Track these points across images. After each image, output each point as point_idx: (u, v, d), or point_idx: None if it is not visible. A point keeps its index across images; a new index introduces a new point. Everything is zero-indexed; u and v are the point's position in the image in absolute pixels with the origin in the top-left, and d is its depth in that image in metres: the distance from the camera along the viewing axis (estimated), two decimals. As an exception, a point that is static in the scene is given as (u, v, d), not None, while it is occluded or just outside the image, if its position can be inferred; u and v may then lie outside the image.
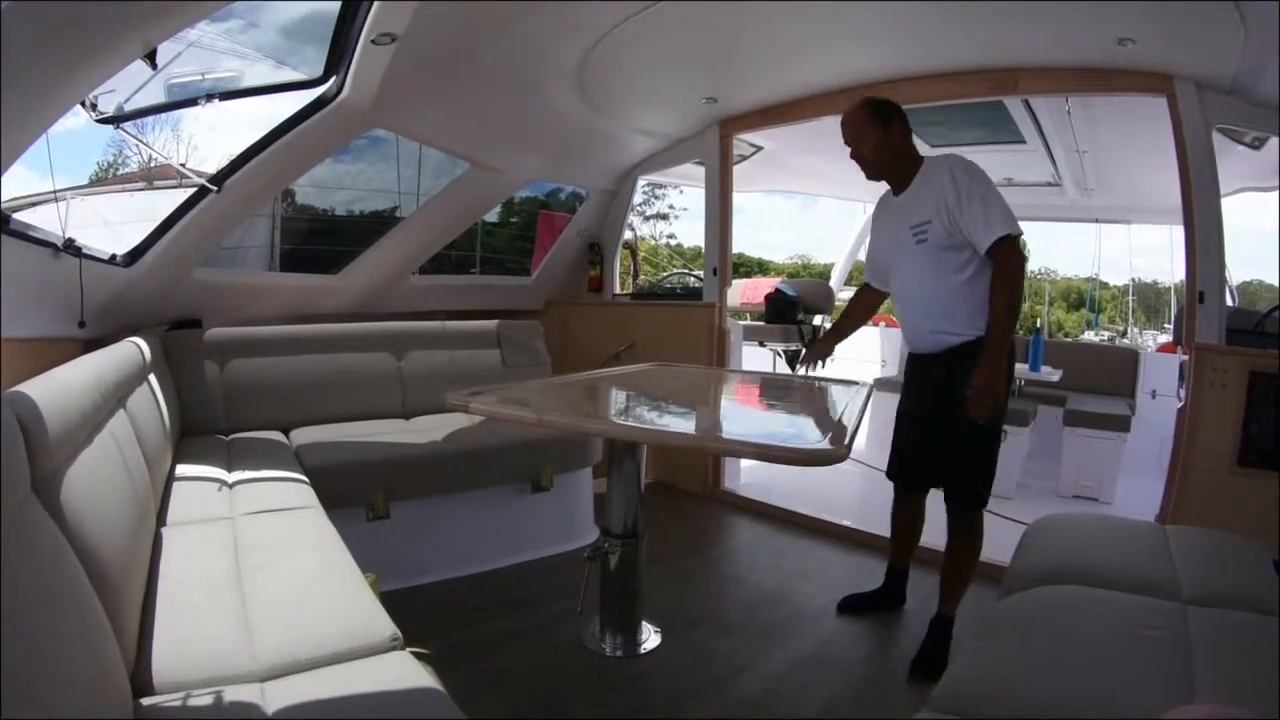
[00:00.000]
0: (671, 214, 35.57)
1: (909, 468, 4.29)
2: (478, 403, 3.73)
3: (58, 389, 2.20)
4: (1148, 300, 27.91)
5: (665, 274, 14.20)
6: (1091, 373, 7.90)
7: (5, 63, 2.49)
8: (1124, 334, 23.13)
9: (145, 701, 1.96)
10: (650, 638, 4.10)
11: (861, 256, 13.50)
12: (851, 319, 4.80)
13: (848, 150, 4.06)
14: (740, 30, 5.01)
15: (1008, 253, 3.68)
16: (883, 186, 4.20)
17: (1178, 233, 5.02)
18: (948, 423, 3.90)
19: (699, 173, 7.25)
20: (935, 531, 4.34)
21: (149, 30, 3.34)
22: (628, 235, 8.94)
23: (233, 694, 2.00)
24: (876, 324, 13.51)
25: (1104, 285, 26.95)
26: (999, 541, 4.13)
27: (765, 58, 5.59)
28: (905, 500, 4.46)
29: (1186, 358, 4.90)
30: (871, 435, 7.63)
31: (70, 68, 3.12)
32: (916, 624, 4.34)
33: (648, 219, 35.04)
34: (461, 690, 2.20)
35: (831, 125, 6.56)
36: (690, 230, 35.43)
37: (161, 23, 3.36)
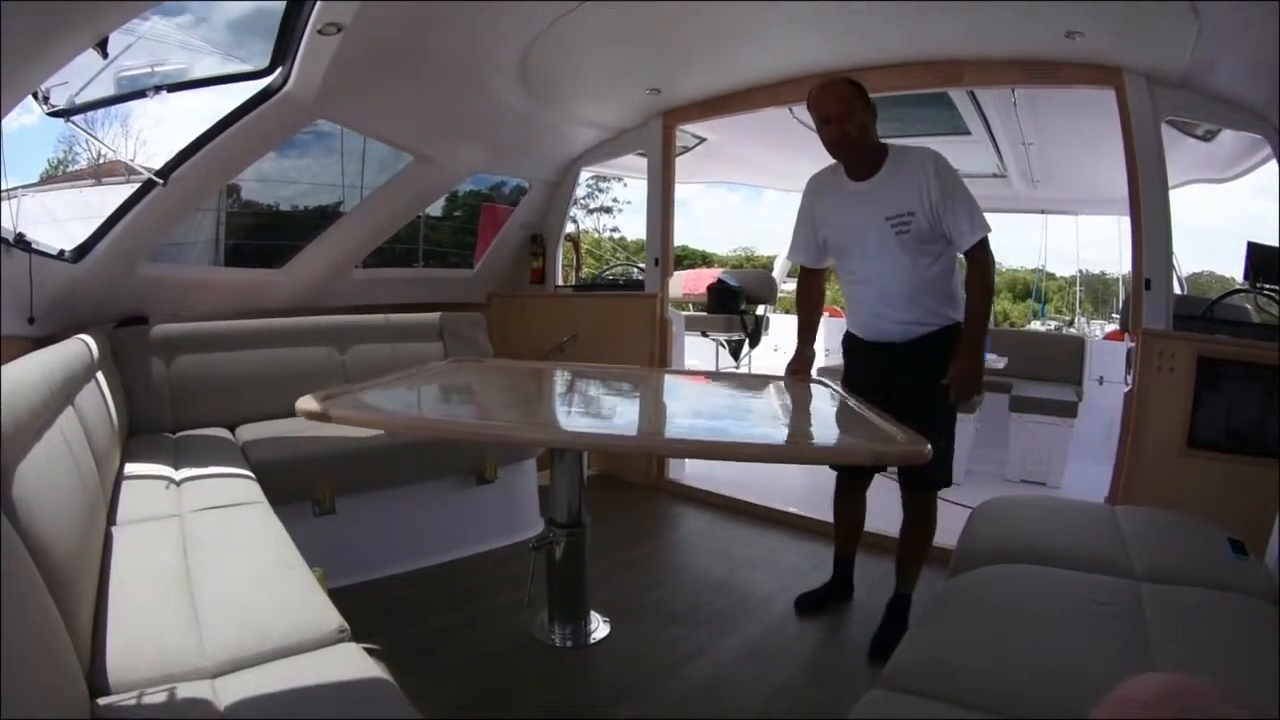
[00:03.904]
0: (615, 207, 35.46)
1: None
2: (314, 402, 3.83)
3: (7, 385, 2.19)
4: (1095, 290, 28.08)
5: (608, 266, 14.21)
6: (1038, 360, 7.91)
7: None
8: (1071, 323, 23.29)
9: (102, 701, 1.96)
10: (599, 627, 4.12)
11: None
12: (813, 315, 4.62)
13: (813, 128, 4.02)
14: (683, 21, 5.02)
15: (985, 251, 3.84)
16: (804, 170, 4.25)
17: (1125, 224, 5.06)
18: (913, 408, 3.74)
19: (642, 164, 7.26)
20: (878, 516, 4.44)
21: (100, 19, 3.35)
22: (570, 228, 8.93)
23: (185, 691, 2.00)
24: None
25: (1050, 276, 27.03)
26: (946, 526, 4.14)
27: (708, 49, 5.60)
28: (851, 489, 4.48)
29: (1134, 344, 4.94)
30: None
31: (24, 57, 3.13)
32: (865, 607, 4.40)
33: (591, 212, 34.91)
34: (412, 684, 2.22)
35: (774, 116, 6.58)
36: (634, 223, 35.46)
37: (113, 11, 3.37)
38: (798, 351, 4.53)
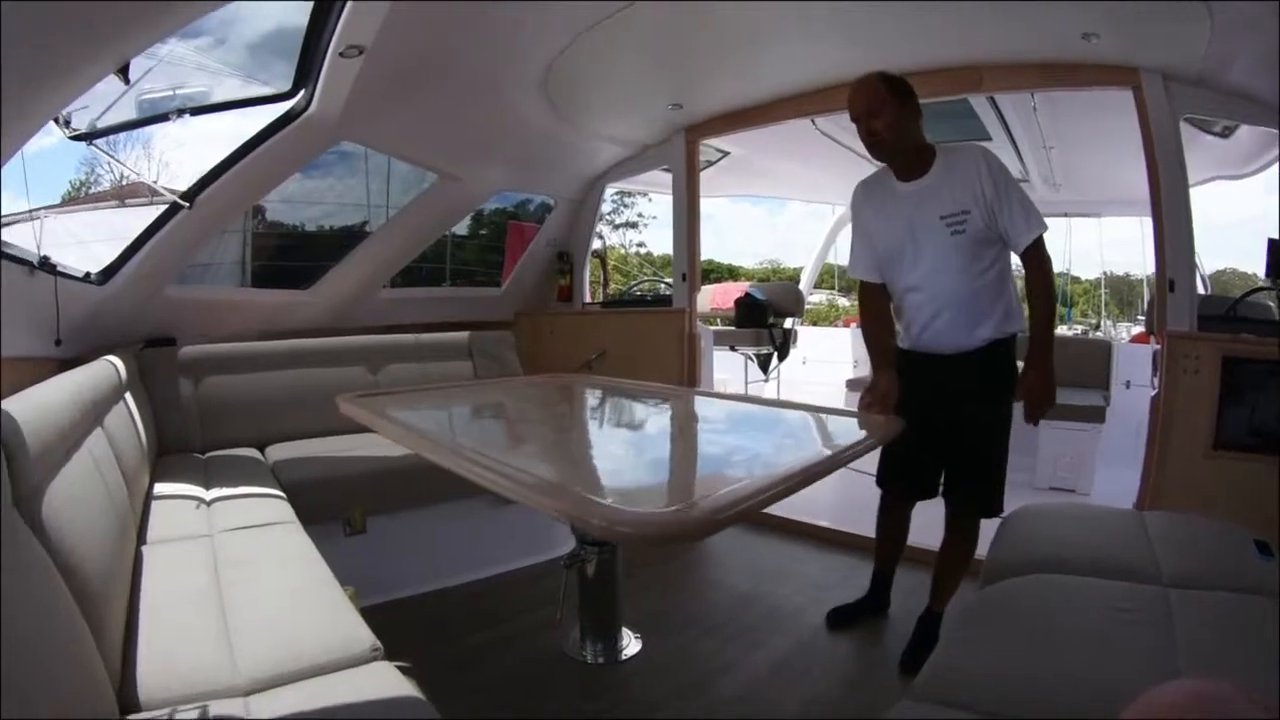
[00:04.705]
0: (641, 222, 35.44)
1: (911, 477, 4.06)
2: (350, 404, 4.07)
3: (35, 406, 2.22)
4: (1120, 293, 27.80)
5: (635, 282, 14.22)
6: (1065, 365, 7.53)
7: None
8: (1097, 326, 23.13)
9: (132, 718, 1.98)
10: (630, 643, 4.10)
11: (831, 260, 13.43)
12: (882, 332, 4.05)
13: (836, 140, 3.84)
14: (703, 36, 5.02)
15: (1042, 251, 3.60)
16: (854, 181, 4.07)
17: (1149, 224, 4.98)
18: (968, 427, 3.78)
19: (666, 179, 7.25)
20: (917, 530, 4.36)
21: (122, 45, 3.36)
22: (596, 244, 8.93)
23: (217, 708, 2.01)
24: (847, 325, 13.47)
25: (1075, 280, 26.73)
26: (979, 534, 4.06)
27: (729, 63, 5.59)
28: (897, 508, 4.30)
29: (1159, 347, 4.88)
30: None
31: (45, 84, 3.15)
32: (897, 620, 4.35)
33: (617, 227, 34.86)
34: (444, 702, 2.21)
35: (797, 128, 6.55)
36: (660, 238, 35.19)
37: (134, 37, 3.39)
38: (873, 381, 3.95)
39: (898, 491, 4.20)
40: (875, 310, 4.07)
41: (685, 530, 2.22)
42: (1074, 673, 2.14)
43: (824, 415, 4.09)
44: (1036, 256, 3.60)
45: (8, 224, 4.01)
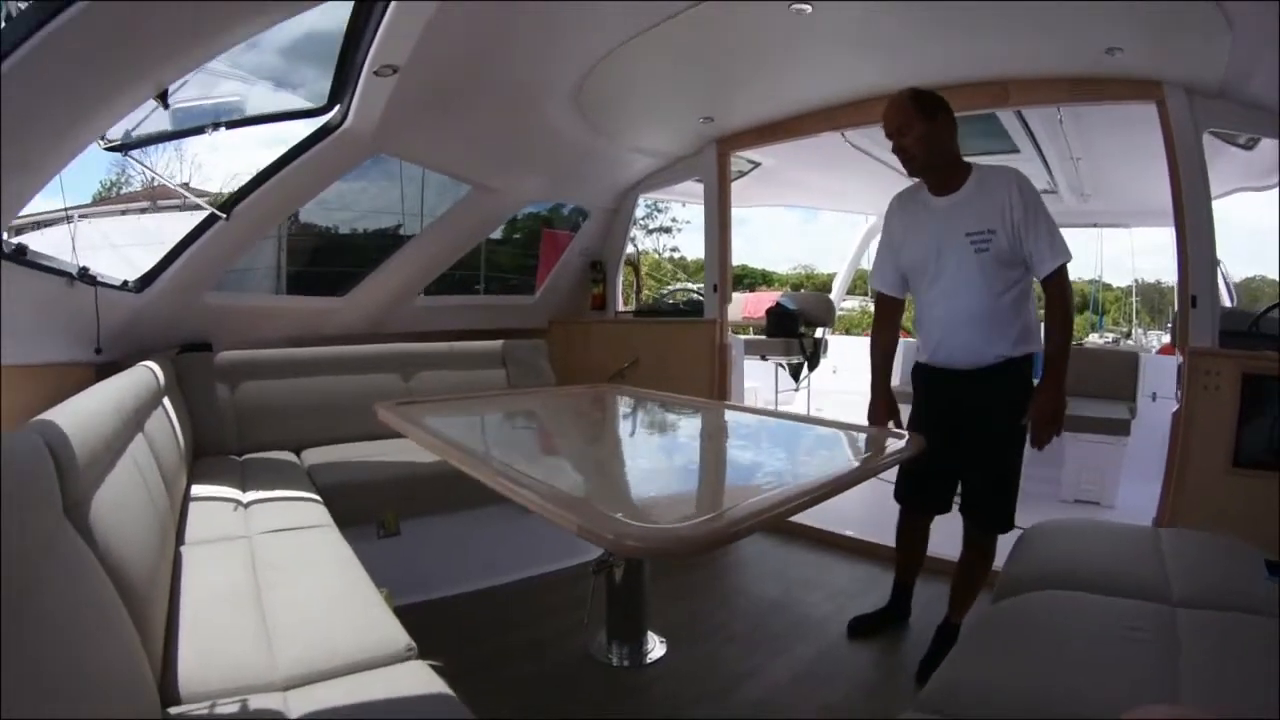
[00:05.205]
0: (674, 227, 35.34)
1: (926, 492, 4.15)
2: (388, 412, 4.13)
3: (82, 416, 2.29)
4: (1150, 301, 27.47)
5: (668, 289, 14.20)
6: (1091, 377, 7.69)
7: (22, 108, 2.60)
8: (1128, 335, 22.90)
9: (173, 711, 2.05)
10: (656, 648, 4.14)
11: (865, 265, 13.38)
12: (886, 355, 4.25)
13: (864, 151, 3.88)
14: (734, 51, 5.05)
15: (1065, 279, 3.66)
16: (885, 193, 4.11)
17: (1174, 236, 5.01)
18: (980, 441, 3.84)
19: (699, 189, 7.25)
20: (939, 541, 4.40)
21: (160, 73, 3.44)
22: (629, 250, 8.96)
23: (256, 702, 2.09)
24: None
25: (1107, 287, 26.43)
26: (998, 547, 4.06)
27: (759, 78, 5.62)
28: (916, 522, 4.37)
29: (1182, 360, 4.87)
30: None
31: (86, 111, 3.22)
32: (918, 629, 4.38)
33: (650, 232, 34.79)
34: (474, 700, 2.27)
35: (827, 140, 6.56)
36: (693, 242, 35.13)
37: (173, 66, 3.46)
38: (873, 401, 4.17)
39: (914, 506, 4.29)
40: (881, 326, 4.29)
41: (691, 544, 2.25)
42: (1076, 690, 2.17)
43: (853, 432, 4.11)
44: (1058, 284, 3.65)
45: (40, 226, 4.08)
